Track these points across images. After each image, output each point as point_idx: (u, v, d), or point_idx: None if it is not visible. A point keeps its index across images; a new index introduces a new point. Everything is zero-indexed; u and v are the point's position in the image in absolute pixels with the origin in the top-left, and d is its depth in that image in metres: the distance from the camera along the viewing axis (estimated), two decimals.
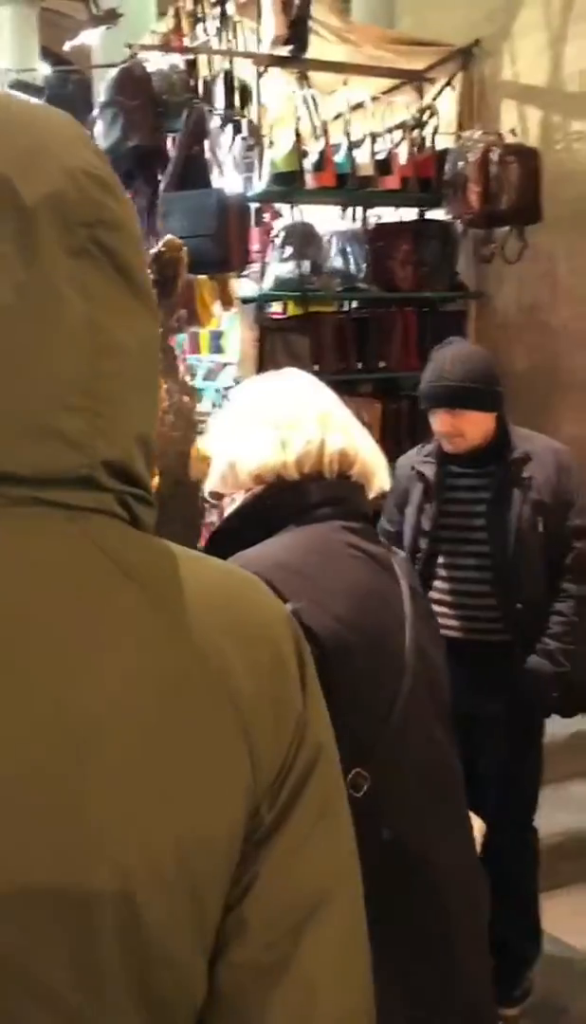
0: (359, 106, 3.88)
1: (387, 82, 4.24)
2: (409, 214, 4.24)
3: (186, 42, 4.24)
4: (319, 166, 3.65)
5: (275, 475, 1.20)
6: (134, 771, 0.55)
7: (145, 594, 0.57)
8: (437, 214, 4.08)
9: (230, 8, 4.02)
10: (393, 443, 3.86)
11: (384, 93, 4.23)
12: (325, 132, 3.69)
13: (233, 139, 3.74)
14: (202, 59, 3.90)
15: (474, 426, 2.27)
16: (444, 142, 4.02)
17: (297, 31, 3.68)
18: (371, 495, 1.29)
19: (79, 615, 0.55)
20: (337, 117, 3.88)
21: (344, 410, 1.29)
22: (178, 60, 3.73)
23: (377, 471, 1.29)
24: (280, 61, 3.82)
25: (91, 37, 4.39)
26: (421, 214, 4.17)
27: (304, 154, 3.67)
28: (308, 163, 3.68)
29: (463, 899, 1.15)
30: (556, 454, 2.31)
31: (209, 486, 1.29)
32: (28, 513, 0.55)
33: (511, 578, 2.24)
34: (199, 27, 4.21)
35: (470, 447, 2.28)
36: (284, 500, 1.21)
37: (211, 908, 0.58)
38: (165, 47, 4.14)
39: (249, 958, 0.60)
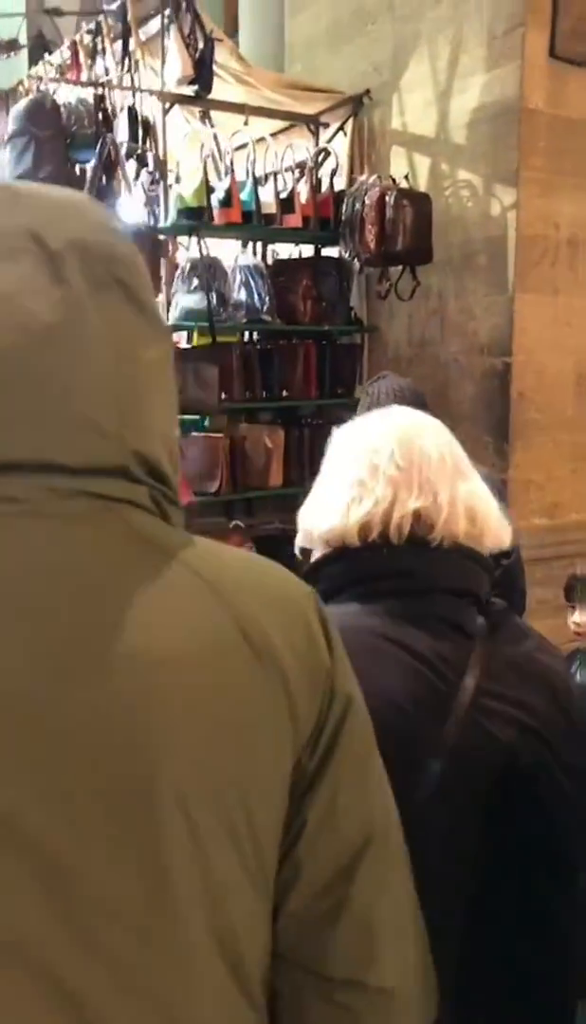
0: (261, 140, 4.04)
1: (284, 123, 4.43)
2: (306, 250, 4.43)
3: (85, 75, 4.30)
4: (226, 202, 3.77)
5: (340, 540, 1.08)
6: (190, 711, 0.62)
7: (188, 570, 0.66)
8: (332, 251, 4.28)
9: (131, 44, 4.10)
10: (296, 467, 4.05)
11: (279, 132, 4.42)
12: (231, 171, 3.82)
13: (138, 172, 3.82)
14: (106, 92, 3.97)
15: None
16: (341, 183, 4.23)
17: (202, 71, 3.82)
18: (486, 552, 1.09)
19: (139, 585, 0.64)
20: (240, 148, 4.02)
21: (443, 459, 1.10)
22: (84, 93, 3.79)
23: (485, 531, 1.09)
24: (183, 99, 3.94)
25: None
26: (317, 251, 4.37)
27: (211, 190, 3.79)
28: (214, 199, 3.80)
29: None
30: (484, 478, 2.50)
31: (298, 542, 1.17)
32: (75, 505, 0.64)
33: None
34: (99, 61, 4.27)
35: None
36: (341, 570, 1.08)
37: (268, 849, 0.65)
38: (65, 79, 4.19)
39: (306, 905, 0.66)
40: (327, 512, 1.10)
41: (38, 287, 0.64)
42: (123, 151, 3.75)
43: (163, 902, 0.60)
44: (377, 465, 1.09)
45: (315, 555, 1.12)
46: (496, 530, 1.11)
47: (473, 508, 1.09)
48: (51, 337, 0.64)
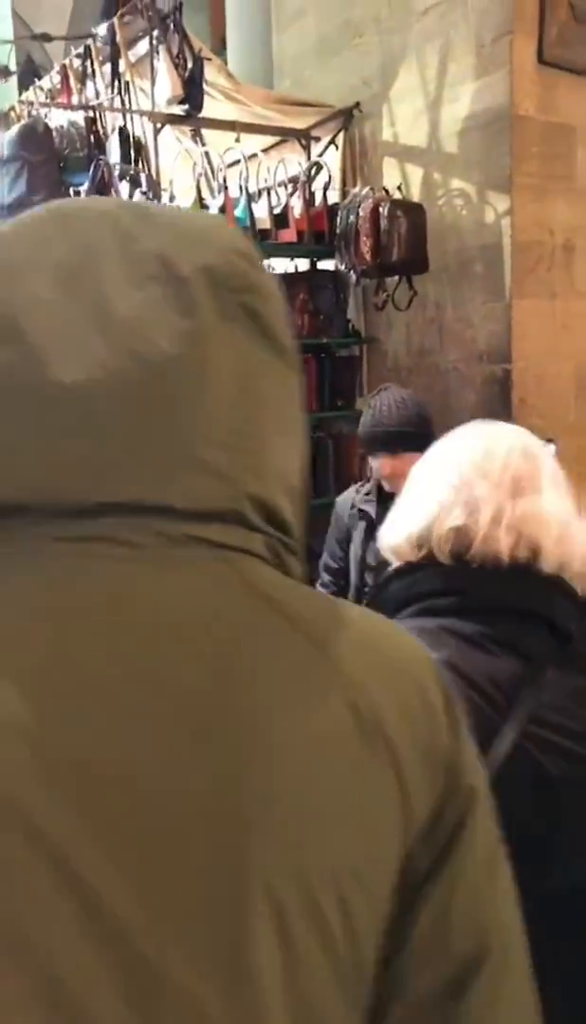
0: (253, 156, 4.05)
1: (275, 139, 4.44)
2: (301, 264, 4.43)
3: (75, 98, 4.32)
4: None
5: (398, 557, 1.12)
6: (291, 801, 0.56)
7: (298, 634, 0.60)
8: (328, 264, 4.29)
9: (120, 66, 4.12)
10: None
11: (271, 148, 4.43)
12: (225, 188, 3.83)
13: (131, 193, 3.83)
14: (97, 115, 3.98)
15: (412, 466, 2.42)
16: (334, 196, 4.24)
17: (192, 90, 3.83)
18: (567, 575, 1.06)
19: (239, 650, 0.58)
20: (232, 165, 4.03)
21: (503, 476, 1.09)
22: (76, 116, 3.81)
23: (539, 552, 1.06)
24: (174, 119, 3.96)
25: None
26: (313, 264, 4.37)
27: (205, 208, 3.80)
28: None
29: None
30: None
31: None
32: (186, 553, 0.58)
33: None
34: (89, 85, 4.29)
35: None
36: (400, 585, 1.10)
37: (367, 955, 0.57)
38: (57, 104, 4.21)
39: (408, 1022, 0.58)
40: (393, 528, 1.15)
41: (163, 316, 0.60)
42: (116, 172, 3.76)
43: (245, 1006, 0.53)
44: (434, 482, 1.13)
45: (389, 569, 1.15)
46: (556, 552, 1.06)
47: (521, 528, 1.07)
48: (171, 370, 0.59)
